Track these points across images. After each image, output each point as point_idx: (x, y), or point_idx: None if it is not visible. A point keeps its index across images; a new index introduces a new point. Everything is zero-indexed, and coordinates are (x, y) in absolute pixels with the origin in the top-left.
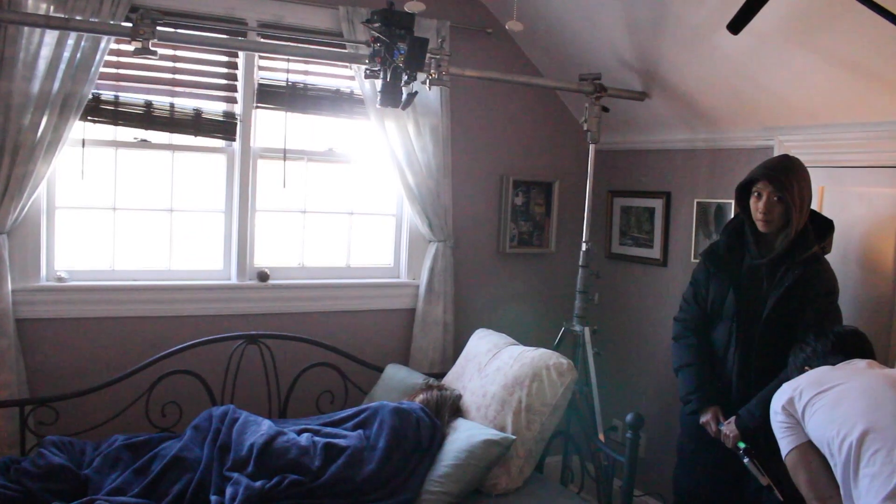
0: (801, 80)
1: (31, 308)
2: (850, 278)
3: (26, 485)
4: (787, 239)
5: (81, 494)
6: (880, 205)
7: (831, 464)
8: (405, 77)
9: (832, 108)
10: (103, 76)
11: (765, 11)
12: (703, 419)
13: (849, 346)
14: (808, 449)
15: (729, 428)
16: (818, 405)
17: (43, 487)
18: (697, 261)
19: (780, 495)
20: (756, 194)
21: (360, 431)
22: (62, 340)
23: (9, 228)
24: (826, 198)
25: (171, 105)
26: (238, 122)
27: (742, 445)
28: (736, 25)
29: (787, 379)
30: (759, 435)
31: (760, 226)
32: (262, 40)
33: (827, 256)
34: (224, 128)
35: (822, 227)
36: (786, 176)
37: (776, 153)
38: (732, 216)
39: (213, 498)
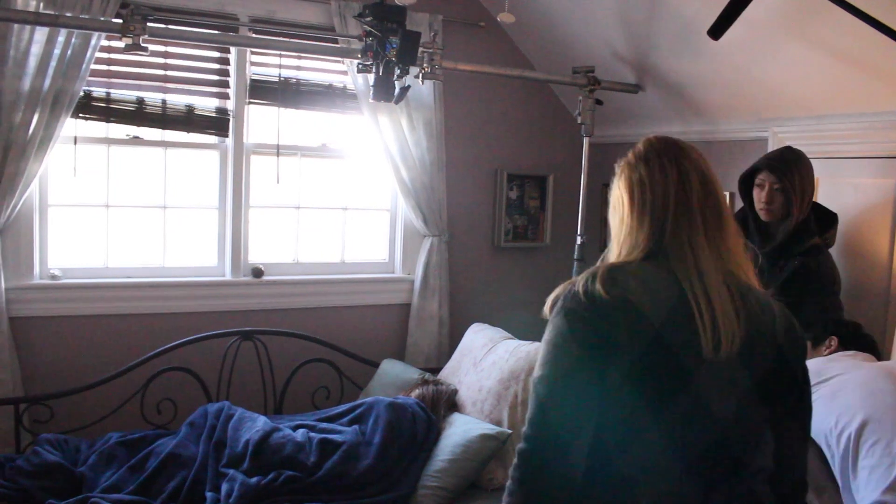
0: (794, 71)
1: (25, 306)
2: (845, 269)
3: (21, 483)
4: (787, 230)
5: (76, 492)
6: (874, 195)
7: (828, 455)
8: (398, 71)
9: (826, 99)
10: (94, 73)
11: (758, 3)
12: None
13: (849, 338)
14: None
15: None
16: (815, 396)
17: (38, 485)
18: None
19: None
20: (758, 184)
21: (356, 427)
22: (56, 338)
23: (1, 227)
24: (820, 189)
25: (164, 101)
26: (231, 118)
27: None
28: (716, 31)
29: None
30: None
31: (762, 215)
32: (253, 35)
33: None
34: (216, 124)
35: (826, 220)
36: (787, 166)
37: (770, 145)
38: (738, 209)
39: (208, 494)
